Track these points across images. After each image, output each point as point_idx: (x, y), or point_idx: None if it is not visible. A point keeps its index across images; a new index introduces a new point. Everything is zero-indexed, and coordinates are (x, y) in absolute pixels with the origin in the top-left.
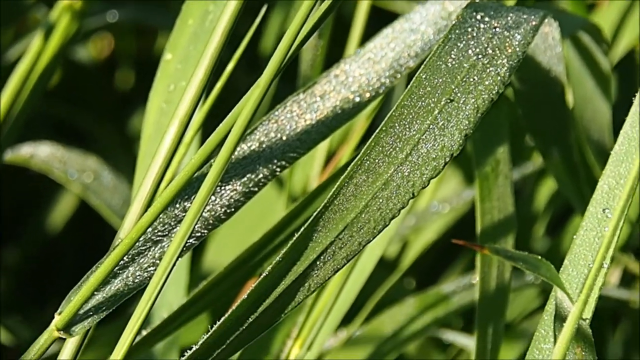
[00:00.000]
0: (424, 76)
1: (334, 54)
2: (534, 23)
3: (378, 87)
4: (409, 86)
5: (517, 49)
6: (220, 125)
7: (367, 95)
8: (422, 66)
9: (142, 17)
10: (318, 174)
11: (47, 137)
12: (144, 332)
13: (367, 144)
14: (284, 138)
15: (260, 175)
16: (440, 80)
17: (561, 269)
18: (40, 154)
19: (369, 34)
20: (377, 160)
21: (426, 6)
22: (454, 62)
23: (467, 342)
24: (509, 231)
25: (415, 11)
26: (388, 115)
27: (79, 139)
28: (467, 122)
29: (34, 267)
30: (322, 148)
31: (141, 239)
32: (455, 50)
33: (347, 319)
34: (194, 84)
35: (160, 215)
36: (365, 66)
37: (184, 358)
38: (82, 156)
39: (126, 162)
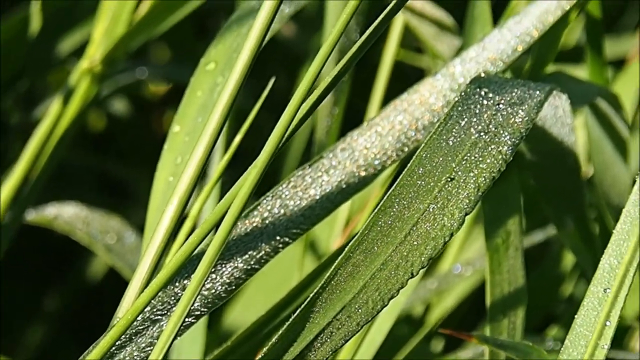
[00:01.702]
0: (424, 155)
1: (356, 116)
2: (539, 99)
3: (384, 161)
4: (409, 165)
5: (521, 126)
6: (218, 205)
7: (373, 170)
8: (423, 145)
9: (171, 73)
10: (339, 234)
11: (90, 187)
12: None
13: (365, 223)
14: (288, 214)
15: (263, 252)
16: (441, 158)
17: (562, 349)
18: (64, 214)
19: (393, 90)
20: (375, 241)
21: (436, 77)
22: (455, 140)
23: None
24: (519, 304)
25: (424, 83)
26: (387, 195)
27: (122, 190)
28: (467, 201)
29: (75, 313)
30: (344, 210)
31: (139, 318)
32: (457, 127)
33: None
34: (194, 160)
35: (159, 294)
36: (371, 139)
37: None
38: (106, 216)
39: None
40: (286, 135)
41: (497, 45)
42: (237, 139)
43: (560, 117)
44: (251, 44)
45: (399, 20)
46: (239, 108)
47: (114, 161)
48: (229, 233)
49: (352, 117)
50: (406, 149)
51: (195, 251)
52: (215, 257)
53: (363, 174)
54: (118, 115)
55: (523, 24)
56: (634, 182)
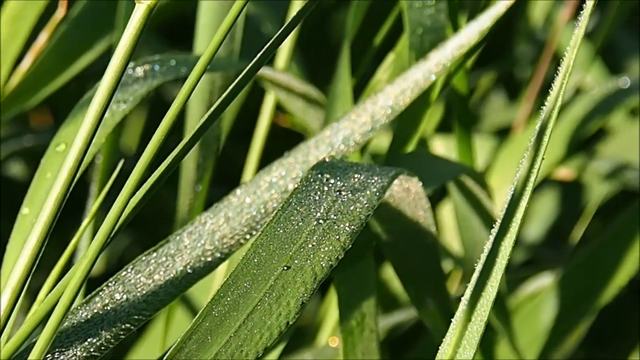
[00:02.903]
0: (260, 243)
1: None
2: (381, 185)
3: (232, 245)
4: (244, 254)
5: (361, 214)
6: (47, 296)
7: (219, 254)
8: (259, 233)
9: None
10: None
11: None
12: None
13: (199, 313)
14: (131, 299)
15: (103, 340)
16: (278, 247)
17: None
18: None
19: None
20: (209, 331)
21: (288, 159)
22: (293, 228)
23: None
24: None
25: (276, 165)
26: (222, 284)
27: None
28: (304, 290)
29: None
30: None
31: None
32: (295, 215)
33: None
34: (27, 248)
35: None
36: (219, 222)
37: None
38: None
39: None
40: (120, 222)
41: (352, 125)
42: (84, 223)
43: (414, 198)
44: (86, 128)
45: (270, 96)
46: None
47: None
48: (58, 325)
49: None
50: (254, 232)
51: (24, 344)
52: (45, 348)
53: (209, 259)
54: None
55: (379, 104)
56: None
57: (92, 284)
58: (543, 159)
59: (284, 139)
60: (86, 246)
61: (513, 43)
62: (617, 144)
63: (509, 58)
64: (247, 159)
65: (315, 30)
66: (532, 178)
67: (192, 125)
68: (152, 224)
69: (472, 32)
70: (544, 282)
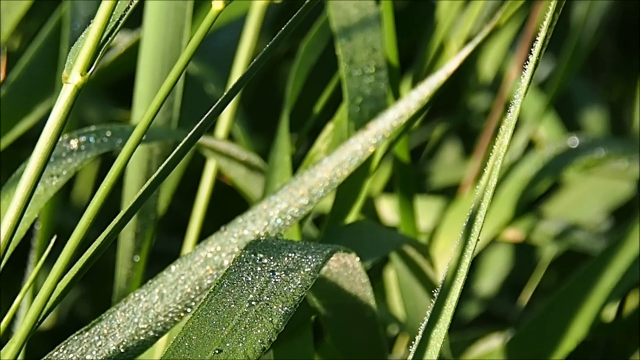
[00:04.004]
0: (191, 326)
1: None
2: (316, 264)
3: (166, 323)
4: (175, 337)
5: (295, 294)
6: None
7: (153, 332)
8: (190, 316)
9: None
10: None
11: None
12: None
13: None
14: None
15: None
16: (209, 330)
17: None
18: None
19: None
20: None
21: (224, 234)
22: (225, 310)
23: None
24: None
25: (211, 240)
26: None
27: None
28: None
29: None
30: None
31: None
32: (227, 297)
33: None
34: None
35: None
36: (153, 300)
37: None
38: None
39: None
40: (46, 309)
41: (290, 198)
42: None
43: (351, 273)
44: (16, 205)
45: (211, 163)
46: None
47: None
48: None
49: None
50: (189, 310)
51: None
52: None
53: (143, 337)
54: None
55: (316, 177)
56: None
57: (41, 338)
58: (482, 226)
59: (229, 195)
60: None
61: (465, 95)
62: (566, 203)
63: (462, 110)
64: (191, 219)
65: (262, 84)
66: (472, 245)
67: (130, 194)
68: (103, 276)
69: (412, 101)
70: (492, 344)
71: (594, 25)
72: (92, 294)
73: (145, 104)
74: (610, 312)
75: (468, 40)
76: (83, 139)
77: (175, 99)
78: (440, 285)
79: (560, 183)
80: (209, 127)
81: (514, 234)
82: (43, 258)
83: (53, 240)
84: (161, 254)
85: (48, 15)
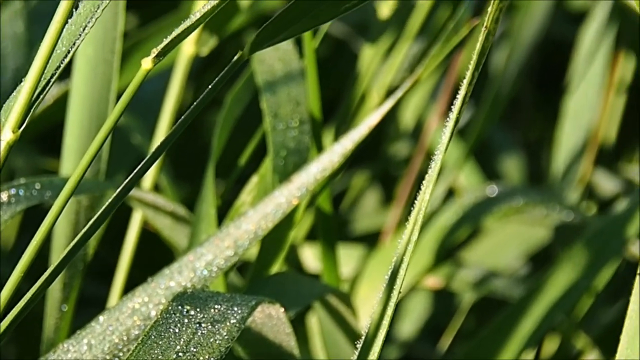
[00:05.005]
0: None
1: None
2: (242, 315)
3: None
4: None
5: (221, 345)
6: None
7: None
8: None
9: None
10: None
11: None
12: None
13: None
14: None
15: None
16: None
17: None
18: None
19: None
20: None
21: (151, 285)
22: None
23: None
24: None
25: (139, 291)
26: None
27: None
28: None
29: None
30: None
31: None
32: (155, 348)
33: None
34: None
35: None
36: (81, 351)
37: None
38: None
39: None
40: None
41: (215, 250)
42: None
43: (276, 323)
44: None
45: (138, 214)
46: None
47: None
48: None
49: (94, 309)
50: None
51: None
52: None
53: None
54: None
55: (242, 229)
56: None
57: None
58: (403, 279)
59: (155, 242)
60: None
61: (386, 143)
62: (485, 249)
63: (382, 158)
64: (118, 266)
65: (187, 131)
66: (395, 297)
67: (58, 246)
68: (29, 321)
69: (335, 154)
70: None
71: (513, 73)
72: (18, 339)
73: (73, 156)
74: (528, 357)
75: (389, 91)
76: (13, 191)
77: (102, 152)
78: (363, 334)
79: (479, 230)
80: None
81: (433, 281)
82: None
83: None
84: (88, 299)
85: None
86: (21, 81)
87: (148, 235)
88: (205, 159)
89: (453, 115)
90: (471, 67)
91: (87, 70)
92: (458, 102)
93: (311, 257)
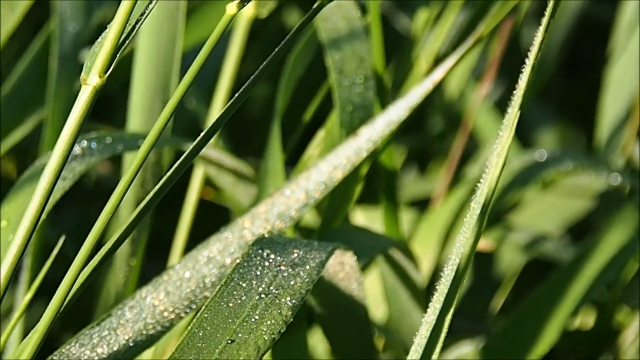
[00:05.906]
0: (204, 317)
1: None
2: (320, 260)
3: (172, 319)
4: (189, 328)
5: (302, 288)
6: None
7: (161, 327)
8: (204, 307)
9: None
10: None
11: None
12: None
13: None
14: None
15: None
16: (222, 321)
17: None
18: None
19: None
20: None
21: (224, 234)
22: (236, 302)
23: None
24: None
25: (213, 240)
26: (168, 358)
27: None
28: None
29: None
30: None
31: None
32: (238, 290)
33: None
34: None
35: None
36: (160, 297)
37: None
38: None
39: None
40: (70, 294)
41: (287, 200)
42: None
43: (347, 272)
44: (34, 206)
45: (199, 171)
46: None
47: None
48: None
49: (156, 266)
50: (194, 306)
51: None
52: None
53: (152, 331)
54: None
55: (312, 180)
56: None
57: None
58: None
59: (208, 211)
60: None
61: (428, 115)
62: (532, 215)
63: (424, 131)
64: (176, 233)
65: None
66: (469, 252)
67: (125, 201)
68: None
69: (400, 108)
70: (464, 350)
71: (554, 47)
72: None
73: (139, 113)
74: (576, 320)
75: (437, 59)
76: (84, 144)
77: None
78: (436, 291)
79: (521, 200)
80: (195, 136)
81: (485, 244)
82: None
83: (61, 241)
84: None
85: (35, 32)
86: (105, 27)
87: (203, 206)
88: (252, 130)
89: (527, 70)
90: (546, 17)
91: (153, 28)
92: (531, 59)
93: (363, 220)
